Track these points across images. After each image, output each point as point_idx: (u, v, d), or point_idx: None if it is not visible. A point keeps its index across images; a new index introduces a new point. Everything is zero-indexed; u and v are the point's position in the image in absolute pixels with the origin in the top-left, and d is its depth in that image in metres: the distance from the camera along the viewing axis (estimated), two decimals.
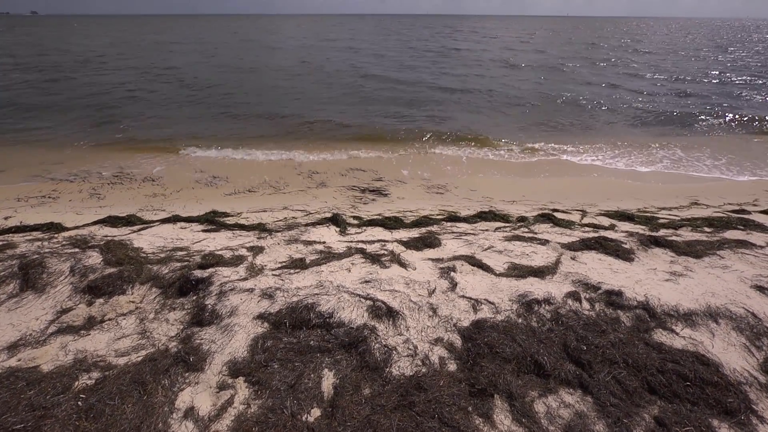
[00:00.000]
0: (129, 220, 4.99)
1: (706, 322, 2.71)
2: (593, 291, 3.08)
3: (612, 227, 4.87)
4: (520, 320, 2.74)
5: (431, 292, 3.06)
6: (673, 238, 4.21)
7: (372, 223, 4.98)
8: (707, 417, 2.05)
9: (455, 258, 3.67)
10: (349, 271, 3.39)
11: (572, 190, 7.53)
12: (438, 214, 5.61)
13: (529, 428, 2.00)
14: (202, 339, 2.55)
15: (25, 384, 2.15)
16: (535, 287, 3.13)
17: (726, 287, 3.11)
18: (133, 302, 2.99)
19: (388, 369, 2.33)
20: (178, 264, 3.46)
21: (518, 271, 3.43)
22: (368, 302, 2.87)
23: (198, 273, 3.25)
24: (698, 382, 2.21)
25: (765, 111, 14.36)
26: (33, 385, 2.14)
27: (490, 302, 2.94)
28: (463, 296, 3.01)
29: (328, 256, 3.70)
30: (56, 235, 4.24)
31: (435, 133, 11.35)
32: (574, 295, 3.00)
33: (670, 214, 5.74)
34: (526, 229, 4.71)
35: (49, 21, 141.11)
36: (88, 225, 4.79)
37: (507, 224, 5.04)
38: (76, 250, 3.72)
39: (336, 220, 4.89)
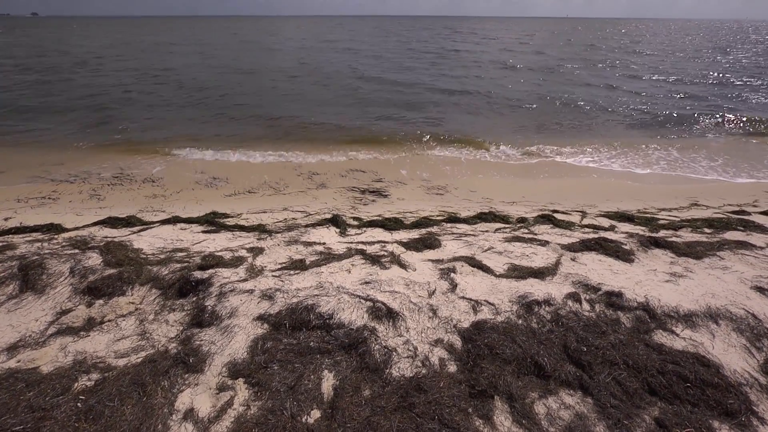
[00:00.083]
0: (129, 221, 4.99)
1: (707, 323, 2.70)
2: (593, 292, 3.08)
3: (612, 228, 4.87)
4: (520, 321, 2.74)
5: (431, 293, 3.06)
6: (673, 239, 4.21)
7: (372, 224, 4.98)
8: (708, 418, 2.05)
9: (455, 259, 3.67)
10: (349, 272, 3.39)
11: (572, 191, 7.53)
12: (438, 215, 5.61)
13: (530, 430, 2.00)
14: (201, 340, 2.54)
15: (24, 385, 2.15)
16: (535, 288, 3.12)
17: (726, 288, 3.11)
18: (132, 303, 2.99)
19: (388, 370, 2.32)
20: (178, 265, 3.46)
21: (518, 272, 3.43)
22: (368, 303, 2.87)
23: (198, 274, 3.25)
24: (699, 384, 2.21)
25: (763, 112, 14.39)
26: (32, 387, 2.14)
27: (490, 303, 2.94)
28: (463, 297, 3.01)
29: (328, 257, 3.70)
30: (56, 236, 4.24)
31: (434, 135, 11.36)
32: (574, 296, 3.00)
33: (669, 215, 5.74)
34: (526, 230, 4.71)
35: (49, 22, 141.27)
36: (88, 226, 4.79)
37: (507, 225, 5.04)
38: (76, 251, 3.72)
39: (336, 221, 4.89)
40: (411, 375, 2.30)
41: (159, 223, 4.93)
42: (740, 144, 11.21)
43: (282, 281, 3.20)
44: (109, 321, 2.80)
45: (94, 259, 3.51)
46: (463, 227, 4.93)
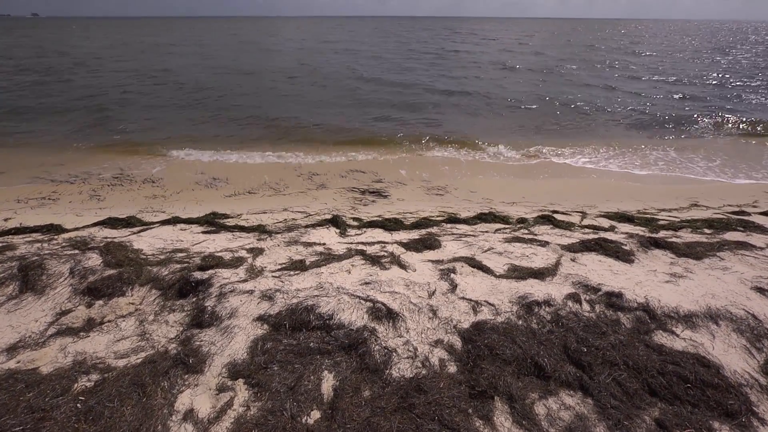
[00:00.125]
0: (129, 222, 4.99)
1: (707, 323, 2.70)
2: (593, 293, 3.08)
3: (612, 229, 4.87)
4: (520, 322, 2.74)
5: (431, 294, 3.05)
6: (673, 239, 4.21)
7: (372, 224, 4.98)
8: (708, 419, 2.05)
9: (455, 259, 3.67)
10: (349, 272, 3.39)
11: (572, 192, 7.53)
12: (438, 216, 5.61)
13: (530, 430, 2.00)
14: (201, 341, 2.54)
15: (24, 386, 2.15)
16: (535, 289, 3.12)
17: (726, 289, 3.11)
18: (132, 304, 2.98)
19: (388, 371, 2.32)
20: (178, 266, 3.45)
21: (518, 273, 3.43)
22: (368, 304, 2.87)
23: (198, 275, 3.25)
24: (699, 384, 2.21)
25: (761, 113, 14.42)
26: (32, 387, 2.14)
27: (490, 304, 2.94)
28: (463, 298, 3.01)
29: (328, 257, 3.70)
30: (56, 237, 4.24)
31: (434, 136, 11.37)
32: (574, 297, 3.00)
33: (669, 216, 5.74)
34: (526, 231, 4.71)
35: (49, 23, 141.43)
36: (87, 226, 4.79)
37: (507, 226, 5.04)
38: (76, 251, 3.72)
39: (336, 222, 4.89)
40: (411, 376, 2.29)
41: (159, 223, 4.93)
42: (738, 145, 11.23)
43: (282, 282, 3.20)
44: (108, 322, 2.80)
45: (93, 260, 3.51)
46: (463, 228, 4.93)
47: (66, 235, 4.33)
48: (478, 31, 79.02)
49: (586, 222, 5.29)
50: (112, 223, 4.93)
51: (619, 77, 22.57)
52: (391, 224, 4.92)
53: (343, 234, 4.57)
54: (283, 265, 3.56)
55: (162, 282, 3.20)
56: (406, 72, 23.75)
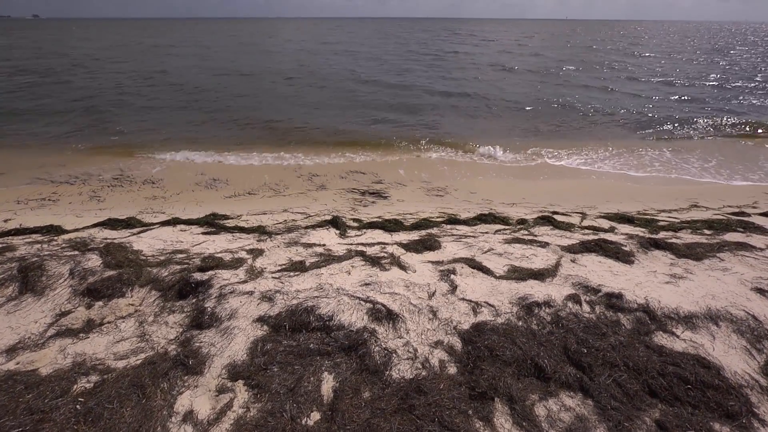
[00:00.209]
0: (129, 223, 4.99)
1: (707, 324, 2.70)
2: (593, 293, 3.08)
3: (612, 230, 4.87)
4: (520, 323, 2.74)
5: (431, 295, 3.05)
6: (673, 240, 4.21)
7: (372, 225, 4.98)
8: (708, 420, 2.04)
9: (455, 260, 3.66)
10: (349, 273, 3.39)
11: (572, 193, 7.54)
12: (438, 217, 5.61)
13: None
14: (201, 342, 2.54)
15: (23, 387, 2.14)
16: (535, 290, 3.12)
17: (726, 290, 3.11)
18: (132, 305, 2.98)
19: (388, 372, 2.32)
20: (178, 267, 3.45)
21: (518, 274, 3.43)
22: (368, 305, 2.87)
23: (197, 276, 3.25)
24: (699, 385, 2.21)
25: (759, 114, 14.45)
26: (31, 389, 2.13)
27: (490, 305, 2.94)
28: (463, 299, 3.01)
29: (328, 258, 3.69)
30: (56, 238, 4.24)
31: (434, 137, 11.39)
32: (574, 298, 2.99)
33: (669, 217, 5.74)
34: (526, 232, 4.71)
35: (50, 24, 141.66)
36: (87, 227, 4.79)
37: (507, 227, 5.04)
38: (76, 252, 3.71)
39: (336, 223, 4.89)
40: (411, 377, 2.29)
41: (159, 224, 4.93)
42: (737, 146, 11.25)
43: (282, 283, 3.20)
44: (108, 323, 2.79)
45: (93, 261, 3.50)
46: (463, 229, 4.93)
47: (66, 236, 4.32)
48: (478, 32, 79.16)
49: (586, 223, 5.30)
50: (112, 224, 4.93)
51: (618, 78, 22.61)
52: (391, 225, 4.92)
53: (343, 235, 4.57)
54: (283, 266, 3.55)
55: (162, 283, 3.20)
56: (405, 73, 23.78)
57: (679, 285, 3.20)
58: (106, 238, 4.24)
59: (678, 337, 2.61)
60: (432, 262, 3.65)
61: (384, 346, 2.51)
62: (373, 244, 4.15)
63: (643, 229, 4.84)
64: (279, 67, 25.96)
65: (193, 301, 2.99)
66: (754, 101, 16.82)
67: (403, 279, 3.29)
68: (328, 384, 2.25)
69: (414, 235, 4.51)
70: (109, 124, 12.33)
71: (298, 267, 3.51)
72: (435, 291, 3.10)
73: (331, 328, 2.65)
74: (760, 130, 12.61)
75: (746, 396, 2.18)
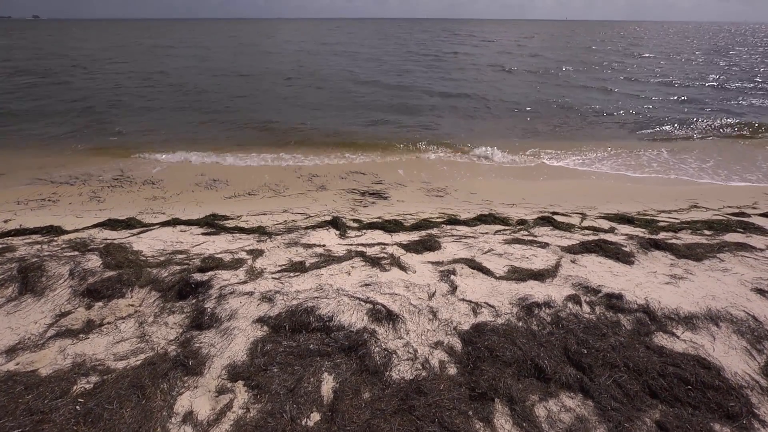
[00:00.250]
0: (129, 223, 4.99)
1: (707, 325, 2.70)
2: (593, 294, 3.08)
3: (612, 230, 4.87)
4: (520, 324, 2.74)
5: (431, 296, 3.05)
6: (673, 241, 4.21)
7: (372, 226, 4.98)
8: (709, 421, 2.04)
9: (455, 261, 3.66)
10: (349, 274, 3.39)
11: (572, 193, 7.54)
12: (438, 217, 5.61)
13: None
14: (201, 343, 2.54)
15: (23, 388, 2.14)
16: (536, 290, 3.12)
17: (726, 290, 3.11)
18: (132, 306, 2.98)
19: (388, 373, 2.32)
20: (178, 267, 3.45)
21: (518, 275, 3.43)
22: (368, 305, 2.87)
23: (197, 276, 3.25)
24: (699, 386, 2.21)
25: (757, 115, 14.45)
26: (31, 390, 2.13)
27: (490, 305, 2.94)
28: (463, 299, 3.01)
29: (328, 259, 3.69)
30: (56, 239, 4.23)
31: (433, 138, 11.39)
32: (574, 299, 2.99)
33: (669, 217, 5.74)
34: (526, 232, 4.71)
35: (50, 25, 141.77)
36: (87, 228, 4.79)
37: (507, 227, 5.04)
38: (76, 253, 3.71)
39: (336, 224, 4.89)
40: (411, 377, 2.29)
41: (159, 225, 4.93)
42: (736, 147, 11.25)
43: (282, 283, 3.19)
44: (108, 323, 2.79)
45: (93, 261, 3.50)
46: (463, 229, 4.93)
47: (66, 237, 4.32)
48: (477, 32, 79.22)
49: (586, 223, 5.29)
50: (111, 224, 4.93)
51: (617, 79, 22.64)
52: (391, 226, 4.92)
53: (343, 235, 4.57)
54: (283, 267, 3.55)
55: (162, 284, 3.19)
56: (404, 74, 23.79)
57: (679, 285, 3.20)
58: (106, 239, 4.24)
59: (678, 337, 2.61)
60: (432, 263, 3.65)
61: (384, 346, 2.51)
62: (373, 245, 4.15)
63: (643, 230, 4.84)
64: (278, 68, 25.97)
65: (193, 301, 2.99)
66: (753, 102, 16.84)
67: (403, 279, 3.29)
68: (328, 385, 2.24)
69: (414, 236, 4.51)
70: (109, 124, 12.34)
71: (298, 267, 3.51)
72: (435, 291, 3.10)
73: (331, 328, 2.64)
74: (761, 130, 12.61)
75: (746, 397, 2.18)
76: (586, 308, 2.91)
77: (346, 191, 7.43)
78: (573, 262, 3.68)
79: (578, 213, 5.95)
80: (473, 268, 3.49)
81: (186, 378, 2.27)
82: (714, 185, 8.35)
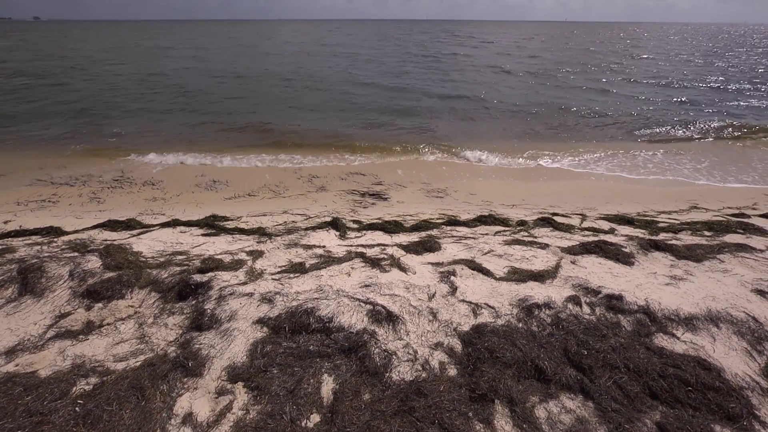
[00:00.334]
0: (129, 224, 4.98)
1: (707, 326, 2.70)
2: (593, 295, 3.08)
3: (612, 231, 4.87)
4: (520, 325, 2.73)
5: (431, 297, 3.05)
6: (673, 241, 4.21)
7: (372, 227, 4.98)
8: (709, 422, 2.04)
9: (455, 262, 3.66)
10: (349, 275, 3.38)
11: (571, 194, 7.54)
12: (438, 218, 5.61)
13: None
14: (201, 344, 2.53)
15: (22, 389, 2.14)
16: (536, 291, 3.12)
17: (726, 291, 3.11)
18: (131, 307, 2.98)
19: (388, 374, 2.31)
20: (178, 268, 3.45)
21: (518, 276, 3.42)
22: (368, 307, 2.86)
23: (197, 277, 3.24)
24: (700, 387, 2.20)
25: (757, 116, 14.48)
26: (30, 391, 2.13)
27: (490, 306, 2.93)
28: (463, 300, 3.00)
29: (328, 260, 3.69)
30: (55, 240, 4.23)
31: (433, 139, 11.41)
32: (574, 300, 2.99)
33: (669, 218, 5.74)
34: (526, 233, 4.71)
35: (50, 26, 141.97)
36: (87, 229, 4.79)
37: (507, 228, 5.04)
38: (76, 254, 3.71)
39: (336, 225, 4.89)
40: (411, 379, 2.29)
41: (159, 226, 4.93)
42: (735, 148, 11.27)
43: (282, 284, 3.19)
44: (108, 324, 2.79)
45: (93, 263, 3.50)
46: (463, 230, 4.93)
47: (65, 238, 4.32)
48: (477, 34, 79.35)
49: (585, 224, 5.30)
50: (111, 225, 4.93)
51: (616, 80, 22.68)
52: (391, 227, 4.91)
53: (342, 236, 4.57)
54: (283, 268, 3.55)
55: (161, 285, 3.19)
56: (404, 75, 23.83)
57: (680, 286, 3.20)
58: (105, 240, 4.24)
59: (678, 338, 2.61)
60: (432, 264, 3.65)
61: (384, 347, 2.50)
62: (373, 246, 4.15)
63: (643, 231, 4.84)
64: (278, 69, 26.01)
65: (193, 302, 2.98)
66: (752, 102, 16.88)
67: (403, 280, 3.28)
68: (327, 386, 2.24)
69: (414, 237, 4.51)
70: (109, 126, 12.35)
71: (298, 268, 3.51)
72: (435, 292, 3.10)
73: (331, 329, 2.64)
74: (761, 133, 12.63)
75: (747, 398, 2.17)
76: (586, 309, 2.91)
77: (346, 192, 7.43)
78: (573, 263, 3.68)
79: (578, 214, 5.96)
80: (473, 269, 3.49)
81: (186, 379, 2.27)
82: (714, 186, 8.36)
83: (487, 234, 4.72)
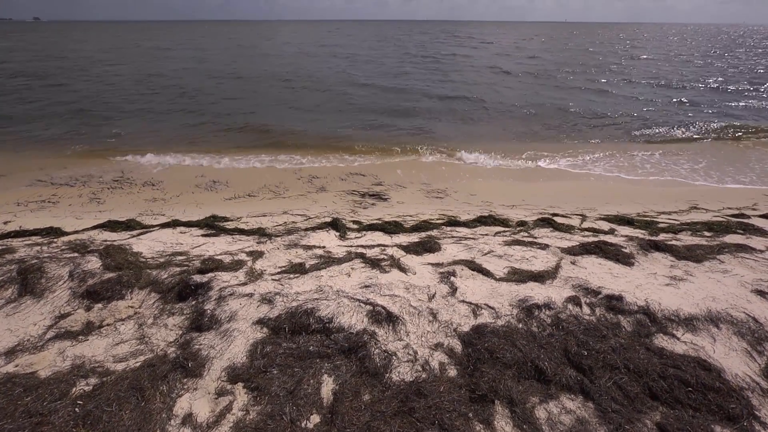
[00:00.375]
0: (128, 225, 4.98)
1: (707, 326, 2.70)
2: (593, 296, 3.08)
3: (612, 231, 4.87)
4: (520, 325, 2.73)
5: (431, 297, 3.05)
6: (673, 242, 4.21)
7: (372, 227, 4.98)
8: (709, 423, 2.04)
9: (455, 262, 3.66)
10: (349, 275, 3.38)
11: (571, 195, 7.55)
12: (438, 219, 5.62)
13: None
14: (200, 344, 2.53)
15: (22, 390, 2.14)
16: (536, 292, 3.12)
17: (726, 292, 3.11)
18: (131, 307, 2.97)
19: (387, 374, 2.31)
20: (178, 269, 3.45)
21: (518, 276, 3.42)
22: (368, 307, 2.86)
23: (197, 278, 3.24)
24: (700, 388, 2.20)
25: (756, 116, 14.49)
26: (30, 392, 2.12)
27: (490, 307, 2.93)
28: (463, 301, 3.00)
29: (328, 260, 3.69)
30: (55, 240, 4.23)
31: (432, 140, 11.42)
32: (574, 300, 2.99)
33: (669, 219, 5.75)
34: (526, 234, 4.71)
35: (50, 27, 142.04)
36: (87, 229, 4.78)
37: (507, 229, 5.04)
38: (76, 254, 3.71)
39: (336, 225, 4.89)
40: (411, 379, 2.28)
41: (159, 226, 4.93)
42: (734, 148, 11.28)
43: (281, 285, 3.19)
44: (107, 325, 2.79)
45: (93, 263, 3.50)
46: (463, 231, 4.93)
47: (65, 238, 4.32)
48: (476, 35, 79.45)
49: (585, 225, 5.30)
50: (111, 226, 4.93)
51: (616, 81, 22.71)
52: (391, 227, 4.92)
53: (342, 237, 4.57)
54: (283, 269, 3.55)
55: (161, 285, 3.19)
56: (403, 76, 23.85)
57: (680, 287, 3.20)
58: (105, 240, 4.24)
59: (678, 339, 2.61)
60: (432, 264, 3.65)
61: (384, 348, 2.50)
62: (373, 246, 4.15)
63: (642, 231, 4.84)
64: (277, 70, 26.03)
65: (193, 303, 2.98)
66: (752, 103, 16.90)
67: (403, 281, 3.28)
68: (327, 386, 2.24)
69: (414, 237, 4.51)
70: (108, 126, 12.36)
71: (297, 269, 3.51)
72: (435, 293, 3.10)
73: (331, 330, 2.64)
74: (761, 134, 12.64)
75: (747, 398, 2.17)
76: (586, 310, 2.91)
77: (346, 192, 7.43)
78: (573, 263, 3.68)
79: (578, 214, 5.96)
80: (473, 270, 3.49)
81: (185, 380, 2.27)
82: (714, 187, 8.36)
83: (487, 234, 4.72)
